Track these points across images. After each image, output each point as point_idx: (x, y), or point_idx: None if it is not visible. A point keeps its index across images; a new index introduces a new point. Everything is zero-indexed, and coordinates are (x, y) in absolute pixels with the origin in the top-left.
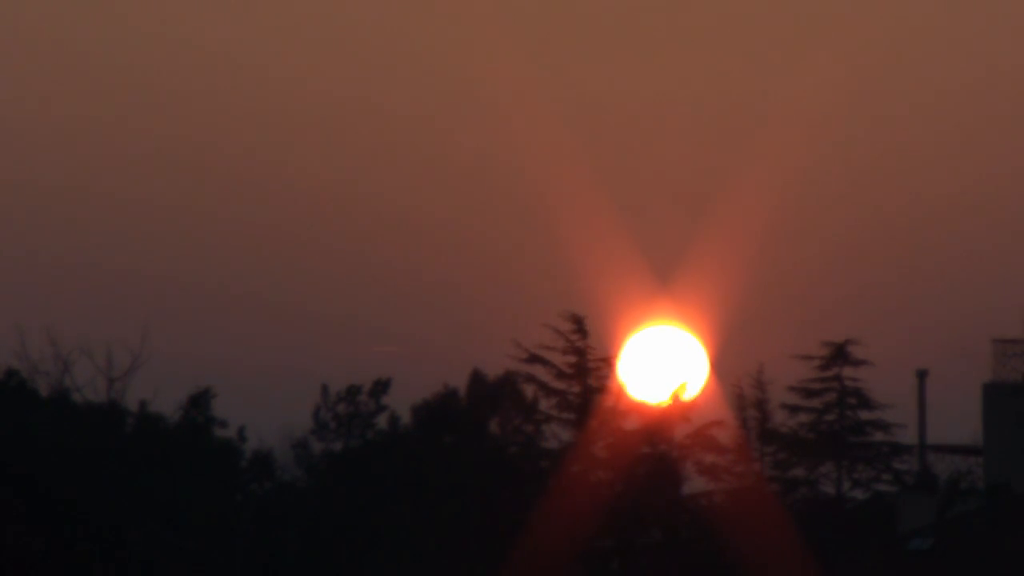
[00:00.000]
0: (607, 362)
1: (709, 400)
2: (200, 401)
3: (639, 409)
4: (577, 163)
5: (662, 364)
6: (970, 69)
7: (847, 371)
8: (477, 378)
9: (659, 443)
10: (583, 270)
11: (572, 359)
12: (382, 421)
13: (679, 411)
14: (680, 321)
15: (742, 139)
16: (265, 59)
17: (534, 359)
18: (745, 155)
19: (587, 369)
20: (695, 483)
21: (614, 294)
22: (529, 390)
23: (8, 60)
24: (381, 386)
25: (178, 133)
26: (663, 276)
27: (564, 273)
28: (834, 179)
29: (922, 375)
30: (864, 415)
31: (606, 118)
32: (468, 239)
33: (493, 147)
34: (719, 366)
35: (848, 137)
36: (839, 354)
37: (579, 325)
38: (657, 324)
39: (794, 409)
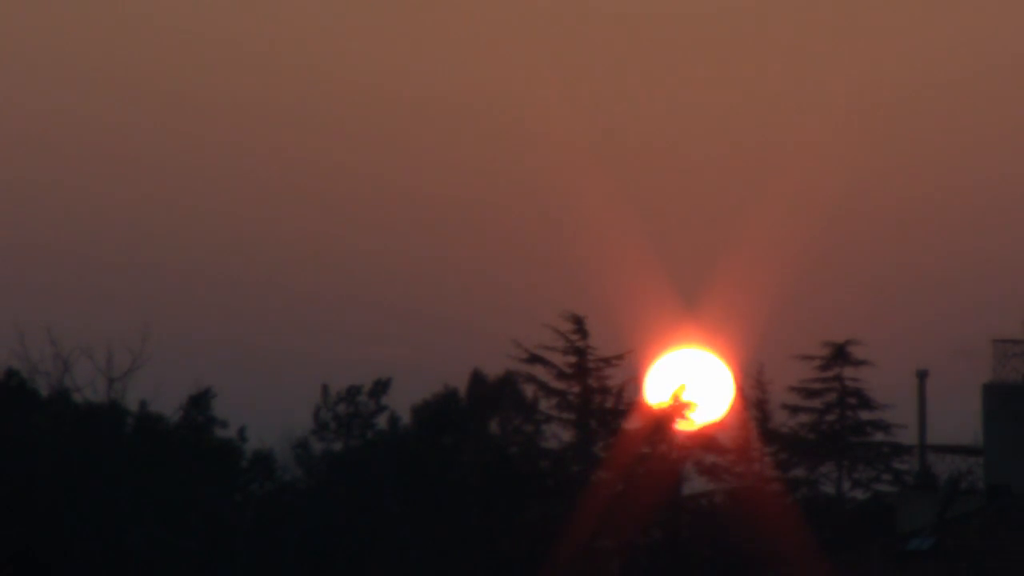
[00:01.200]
0: (611, 361)
1: (736, 421)
2: (200, 401)
3: (645, 412)
4: (598, 176)
5: (689, 386)
6: (970, 66)
7: (847, 371)
8: (477, 378)
9: (659, 443)
10: (603, 284)
11: (572, 359)
12: (382, 421)
13: (679, 411)
14: (705, 344)
15: (754, 151)
16: (269, 60)
17: (534, 359)
18: (760, 168)
19: (587, 369)
20: (695, 483)
21: (638, 313)
22: (529, 390)
23: (8, 58)
24: (381, 386)
25: (180, 132)
26: (686, 297)
27: (590, 288)
28: (835, 178)
29: (922, 375)
30: (864, 415)
31: (630, 137)
32: (476, 244)
33: (516, 160)
34: (744, 386)
35: (850, 136)
36: (839, 354)
37: (579, 325)
38: (683, 347)
39: (794, 409)
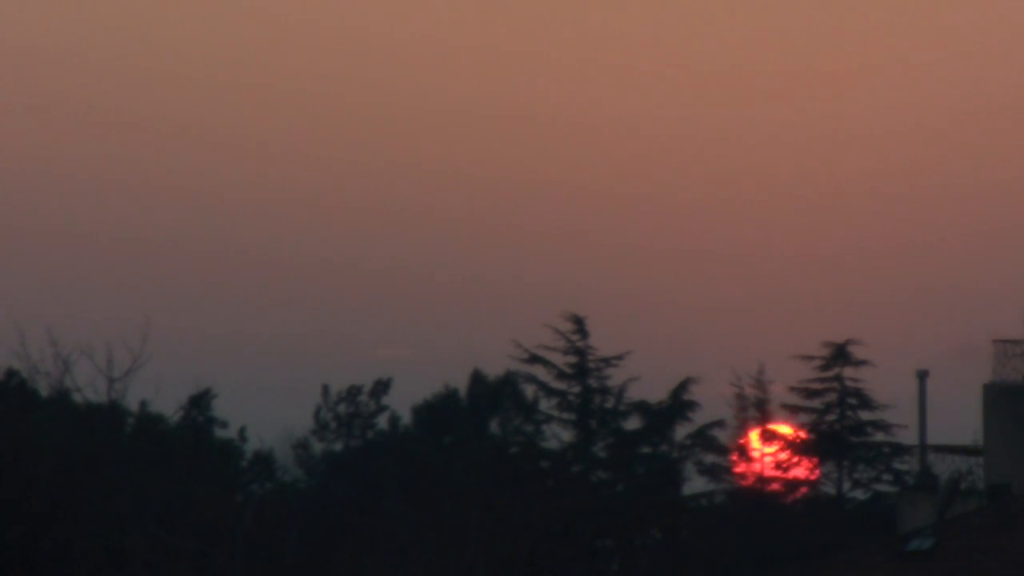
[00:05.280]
0: (611, 361)
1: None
2: (200, 401)
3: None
4: (597, 176)
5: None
6: (972, 57)
7: (847, 371)
8: (477, 378)
9: (659, 443)
10: (603, 284)
11: (572, 359)
12: (383, 421)
13: (680, 411)
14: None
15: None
16: (268, 53)
17: (534, 359)
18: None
19: (587, 369)
20: (695, 483)
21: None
22: (529, 390)
23: (6, 57)
24: (382, 386)
25: (180, 132)
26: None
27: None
28: (835, 177)
29: (922, 375)
30: (864, 415)
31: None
32: (477, 244)
33: (517, 160)
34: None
35: (852, 136)
36: (839, 354)
37: (579, 325)
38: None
39: (794, 409)
